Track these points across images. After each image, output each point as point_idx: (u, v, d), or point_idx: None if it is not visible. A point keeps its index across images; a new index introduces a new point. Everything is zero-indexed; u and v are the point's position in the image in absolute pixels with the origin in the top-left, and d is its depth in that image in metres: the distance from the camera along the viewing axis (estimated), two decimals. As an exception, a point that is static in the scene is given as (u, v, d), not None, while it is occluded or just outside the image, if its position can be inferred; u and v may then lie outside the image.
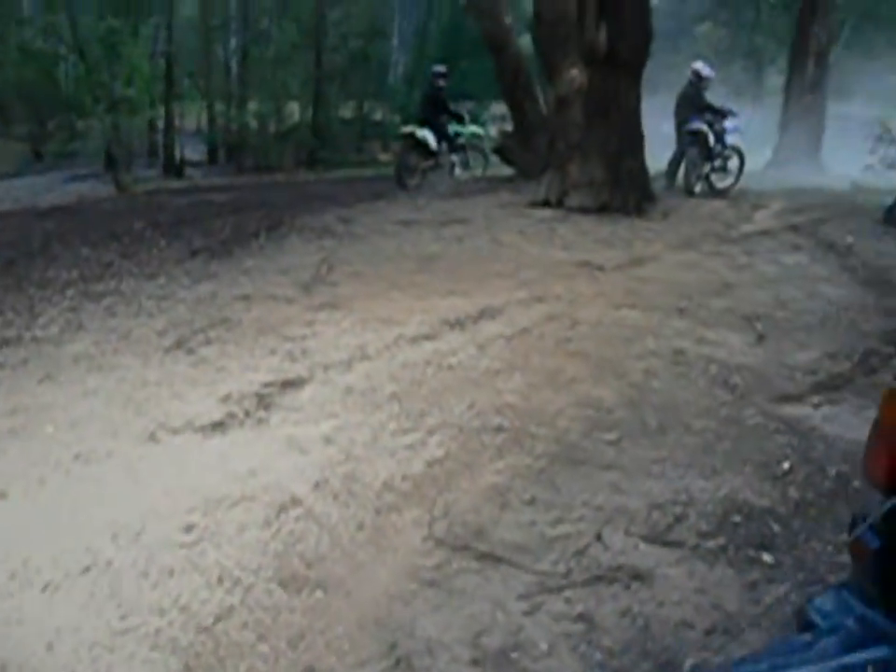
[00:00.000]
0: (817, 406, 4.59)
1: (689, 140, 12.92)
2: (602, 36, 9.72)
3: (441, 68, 15.28)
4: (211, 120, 25.45)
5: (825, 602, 1.84)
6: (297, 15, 24.36)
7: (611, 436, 4.11)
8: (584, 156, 9.91)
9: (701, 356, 5.27)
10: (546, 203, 10.26)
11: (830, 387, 4.87)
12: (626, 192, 9.91)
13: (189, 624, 2.81)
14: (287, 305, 6.47)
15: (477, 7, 13.98)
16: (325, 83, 24.33)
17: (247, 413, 4.39)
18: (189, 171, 23.49)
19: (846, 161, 21.81)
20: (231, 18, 24.95)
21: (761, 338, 5.67)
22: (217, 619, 2.83)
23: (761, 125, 26.45)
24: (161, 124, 23.46)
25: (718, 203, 11.52)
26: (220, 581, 3.02)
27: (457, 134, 15.23)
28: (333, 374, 4.92)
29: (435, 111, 14.96)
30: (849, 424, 4.36)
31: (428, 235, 8.82)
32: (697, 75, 13.37)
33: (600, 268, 7.46)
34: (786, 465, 3.89)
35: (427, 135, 14.55)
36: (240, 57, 25.17)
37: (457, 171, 15.18)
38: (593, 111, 9.84)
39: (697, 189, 12.73)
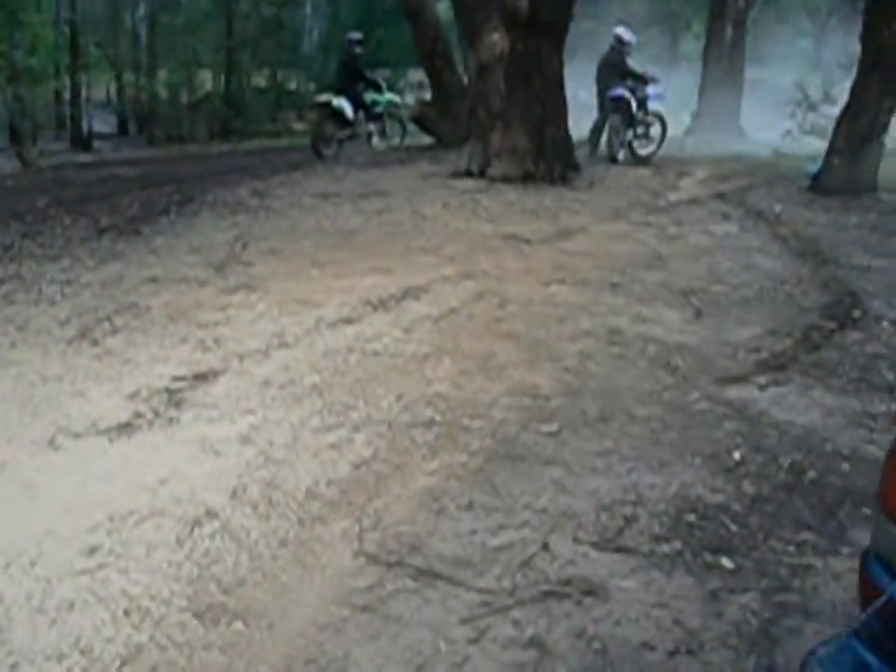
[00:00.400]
0: (763, 388, 4.34)
1: (611, 107, 12.67)
2: (523, 0, 9.36)
3: (356, 35, 14.81)
4: (120, 91, 24.63)
5: (830, 654, 1.54)
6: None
7: (551, 427, 3.81)
8: (507, 124, 9.57)
9: (638, 335, 5.00)
10: (468, 174, 9.93)
11: (774, 367, 4.63)
12: (550, 161, 9.62)
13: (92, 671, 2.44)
14: (200, 288, 6.06)
15: (394, -28, 13.51)
16: (237, 51, 23.59)
17: (156, 413, 3.99)
18: (97, 144, 22.66)
19: (764, 126, 21.86)
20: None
21: (699, 314, 5.42)
22: (124, 662, 2.45)
23: (677, 91, 26.50)
24: (67, 95, 22.54)
25: (642, 171, 11.30)
26: (127, 613, 2.65)
27: (374, 103, 14.81)
28: (249, 365, 4.54)
29: (351, 79, 14.51)
30: (798, 407, 4.14)
31: (348, 209, 8.42)
32: (619, 40, 13.11)
33: (527, 241, 7.16)
34: (737, 455, 3.63)
35: (344, 104, 14.11)
36: (149, 24, 24.24)
37: (375, 140, 14.77)
38: (515, 77, 9.50)
39: (620, 156, 12.51)
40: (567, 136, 10.13)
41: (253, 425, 3.84)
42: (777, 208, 8.92)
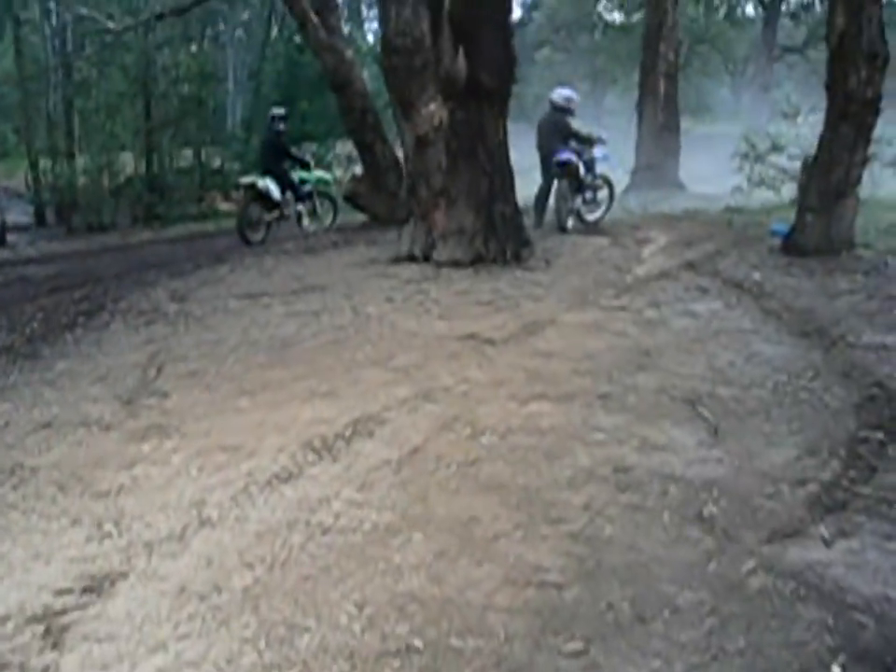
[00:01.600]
0: (829, 543, 3.36)
1: (558, 172, 11.84)
2: (461, 64, 8.49)
3: (279, 111, 13.94)
4: (35, 179, 23.39)
5: None
6: (122, 62, 22.45)
7: (574, 644, 2.77)
8: (451, 202, 8.64)
9: (652, 471, 3.99)
10: (412, 258, 8.98)
11: (832, 507, 3.65)
12: (502, 240, 8.69)
13: None
14: (103, 434, 4.97)
15: (317, 41, 12.61)
16: (157, 132, 22.56)
17: (25, 658, 2.88)
18: (13, 237, 21.32)
19: (703, 178, 21.38)
20: (50, 68, 22.77)
21: (715, 432, 4.44)
22: None
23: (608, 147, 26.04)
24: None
25: (598, 241, 10.43)
26: None
27: (303, 181, 13.89)
28: (160, 560, 3.45)
29: (276, 158, 13.61)
30: (883, 570, 3.15)
31: (280, 311, 7.39)
32: (562, 101, 12.31)
33: (490, 341, 6.18)
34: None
35: (270, 185, 13.19)
36: (64, 109, 23.11)
37: (305, 222, 13.86)
38: (456, 150, 8.59)
39: (569, 224, 11.67)
40: (517, 211, 9.23)
41: (161, 670, 2.75)
42: (756, 276, 8.07)
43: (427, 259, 8.83)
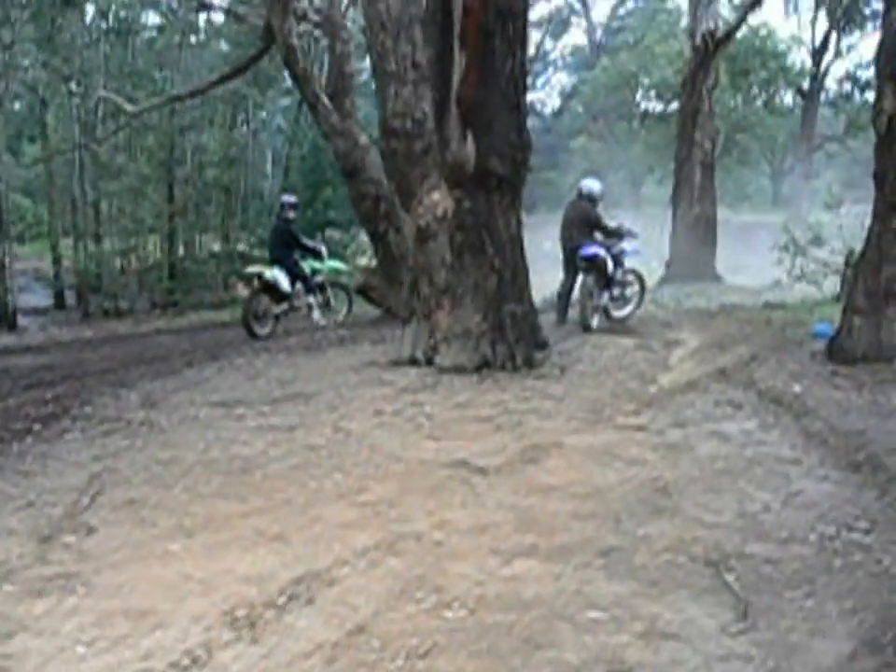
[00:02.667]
0: None
1: (584, 267, 11.06)
2: (469, 150, 7.73)
3: (290, 198, 13.34)
4: (56, 261, 23.03)
5: None
6: (146, 145, 22.11)
7: None
8: (455, 301, 7.83)
9: (660, 677, 3.03)
10: (413, 362, 8.13)
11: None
12: (511, 344, 7.83)
13: None
14: (-2, 585, 4.07)
15: (329, 125, 11.96)
16: (179, 217, 22.08)
17: None
18: (27, 320, 20.89)
19: (740, 269, 20.53)
20: (74, 150, 22.50)
21: (745, 612, 3.46)
22: None
23: (643, 237, 25.32)
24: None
25: (623, 342, 9.54)
26: None
27: (315, 272, 13.15)
28: None
29: (286, 247, 12.95)
30: None
31: (252, 425, 6.54)
32: (588, 194, 11.56)
33: (481, 470, 5.26)
34: None
35: (278, 276, 12.49)
36: (85, 191, 22.78)
37: (316, 315, 13.09)
38: (462, 244, 7.80)
39: (594, 323, 10.83)
40: (532, 310, 8.38)
41: None
42: (797, 388, 7.13)
43: (430, 362, 7.97)
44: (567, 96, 49.19)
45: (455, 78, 7.72)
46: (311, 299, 13.28)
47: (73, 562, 4.30)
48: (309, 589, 3.77)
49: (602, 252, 10.90)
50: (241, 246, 24.18)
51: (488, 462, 5.39)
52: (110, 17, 20.87)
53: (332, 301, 13.89)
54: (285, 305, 13.02)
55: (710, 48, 18.31)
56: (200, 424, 6.69)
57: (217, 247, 24.56)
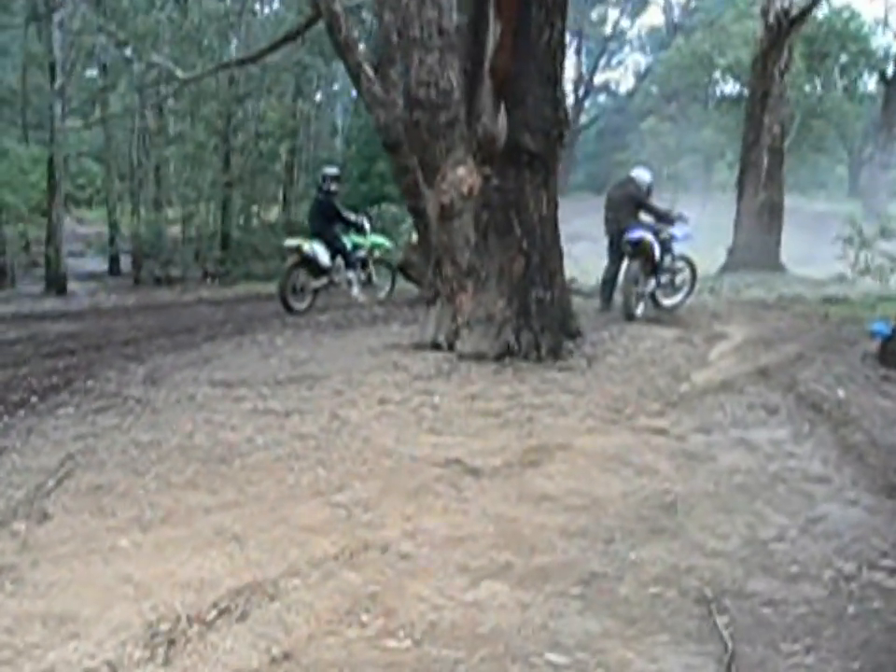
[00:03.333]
0: None
1: (629, 251, 10.50)
2: (501, 124, 7.24)
3: (331, 170, 12.94)
4: (112, 227, 22.98)
5: None
6: (203, 114, 21.87)
7: None
8: (479, 284, 7.36)
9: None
10: (436, 346, 7.69)
11: None
12: (537, 331, 7.34)
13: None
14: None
15: (370, 95, 11.51)
16: (236, 186, 21.82)
17: None
18: (78, 285, 20.84)
19: (806, 259, 19.69)
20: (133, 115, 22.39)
21: (729, 667, 2.97)
22: None
23: (712, 223, 24.54)
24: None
25: (664, 334, 8.99)
26: None
27: (356, 247, 12.74)
28: None
29: (326, 221, 12.55)
30: None
31: (247, 407, 6.17)
32: (638, 181, 11.01)
33: (475, 471, 4.82)
34: None
35: (318, 249, 12.10)
36: (139, 158, 22.66)
37: (355, 291, 12.71)
38: (489, 224, 7.31)
39: (639, 311, 10.27)
40: (563, 296, 7.90)
41: None
42: (841, 393, 6.54)
43: (452, 347, 7.53)
44: (641, 77, 48.10)
45: (489, 47, 7.22)
46: (350, 274, 12.89)
47: (13, 552, 3.96)
48: (248, 602, 3.37)
49: (649, 236, 10.32)
50: (298, 217, 23.86)
51: (485, 462, 4.95)
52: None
53: (375, 278, 13.49)
54: (324, 280, 12.65)
55: (784, 27, 17.47)
56: (194, 405, 6.33)
57: (273, 218, 24.33)
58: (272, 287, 18.08)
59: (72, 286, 20.86)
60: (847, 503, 4.44)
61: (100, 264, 24.92)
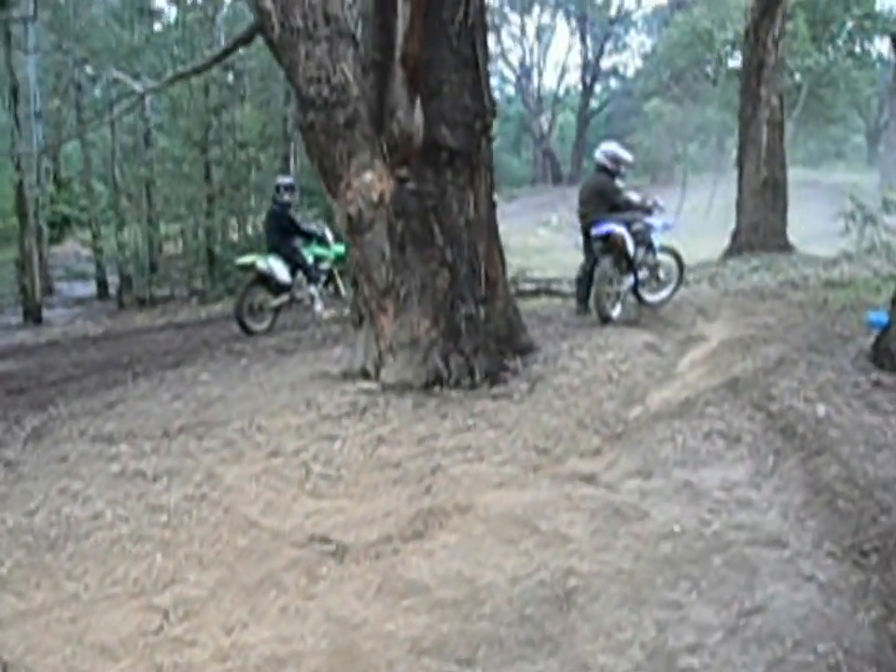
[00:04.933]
0: None
1: (599, 247, 9.49)
2: (418, 119, 6.28)
3: (286, 180, 12.04)
4: (98, 251, 22.19)
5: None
6: (179, 128, 21.04)
7: None
8: (399, 303, 6.38)
9: None
10: (365, 374, 6.74)
11: None
12: (469, 354, 6.37)
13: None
14: None
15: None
16: (216, 200, 20.94)
17: None
18: (59, 312, 20.09)
19: (818, 237, 18.62)
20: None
21: None
22: None
23: (723, 203, 23.46)
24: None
25: (635, 339, 7.99)
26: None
27: (319, 259, 11.78)
28: None
29: (283, 234, 11.62)
30: None
31: (114, 470, 5.29)
32: (611, 160, 9.97)
33: (341, 552, 3.90)
34: None
35: (274, 265, 11.19)
36: (115, 177, 21.88)
37: (318, 307, 11.77)
38: (404, 234, 6.34)
39: (616, 312, 9.29)
40: (507, 309, 6.94)
41: None
42: (821, 410, 5.53)
43: (378, 375, 6.59)
44: (646, 58, 46.90)
45: (399, 34, 6.25)
46: (312, 289, 11.93)
47: None
48: None
49: (619, 228, 9.30)
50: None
51: (358, 537, 4.02)
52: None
53: (343, 291, 12.54)
54: (284, 297, 11.71)
55: (775, -7, 16.36)
56: (61, 468, 5.44)
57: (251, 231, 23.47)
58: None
59: (57, 312, 20.16)
60: (801, 580, 3.45)
61: (93, 288, 24.21)
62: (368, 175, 6.25)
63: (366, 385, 6.49)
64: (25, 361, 11.56)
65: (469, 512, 4.22)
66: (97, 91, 20.90)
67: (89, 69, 18.72)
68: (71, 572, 3.93)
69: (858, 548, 3.66)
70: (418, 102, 6.31)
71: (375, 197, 6.25)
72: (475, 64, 6.42)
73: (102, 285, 23.18)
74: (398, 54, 6.29)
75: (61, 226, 28.67)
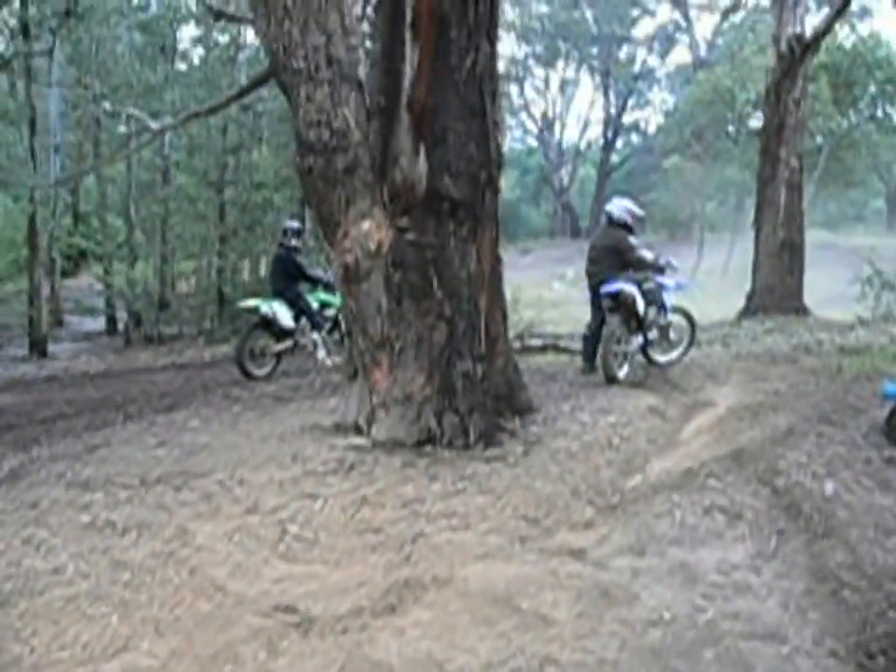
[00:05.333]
0: None
1: (609, 306, 9.29)
2: (422, 168, 6.09)
3: (293, 224, 11.90)
4: (108, 286, 22.14)
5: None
6: (196, 166, 21.05)
7: None
8: (394, 357, 6.16)
9: None
10: (356, 428, 6.51)
11: None
12: (464, 413, 6.13)
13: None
14: None
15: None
16: (230, 240, 20.88)
17: None
18: (65, 346, 19.99)
19: (834, 301, 18.40)
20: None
21: None
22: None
23: (741, 263, 23.26)
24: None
25: (638, 403, 7.76)
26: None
27: (324, 305, 11.63)
28: None
29: (288, 279, 11.49)
30: None
31: (84, 520, 5.03)
32: (626, 213, 9.81)
33: (306, 625, 3.66)
34: None
35: (278, 310, 11.04)
36: (129, 213, 21.88)
37: (321, 354, 11.60)
38: (401, 286, 6.13)
39: (622, 373, 9.07)
40: (507, 367, 6.73)
41: None
42: (829, 488, 5.26)
43: (370, 430, 6.35)
44: (667, 115, 47.00)
45: (407, 79, 6.08)
46: (315, 336, 11.74)
47: None
48: None
49: (629, 287, 9.10)
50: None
51: (327, 608, 3.76)
52: (141, 35, 19.97)
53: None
54: (288, 342, 11.54)
55: (797, 54, 16.24)
56: (29, 515, 5.19)
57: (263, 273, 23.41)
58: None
59: (63, 346, 20.09)
60: (798, 680, 3.17)
61: (103, 323, 24.14)
62: (366, 224, 6.07)
63: (356, 440, 6.24)
64: (21, 396, 11.39)
65: (448, 586, 3.96)
66: (117, 127, 20.85)
67: (108, 105, 18.67)
68: (16, 634, 3.67)
69: (864, 647, 3.38)
70: (423, 149, 6.11)
71: (373, 246, 6.06)
72: (482, 113, 6.24)
73: (111, 320, 23.11)
74: (404, 100, 6.11)
75: (77, 259, 28.69)
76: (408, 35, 6.04)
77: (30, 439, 7.74)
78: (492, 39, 6.28)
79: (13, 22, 19.00)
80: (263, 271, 20.73)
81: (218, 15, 13.85)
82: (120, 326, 22.59)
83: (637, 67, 51.07)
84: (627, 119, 53.61)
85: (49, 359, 17.91)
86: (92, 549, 4.55)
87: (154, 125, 14.26)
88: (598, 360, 9.20)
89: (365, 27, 6.24)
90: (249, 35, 20.47)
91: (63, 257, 24.32)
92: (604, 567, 4.17)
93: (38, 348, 18.59)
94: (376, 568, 4.18)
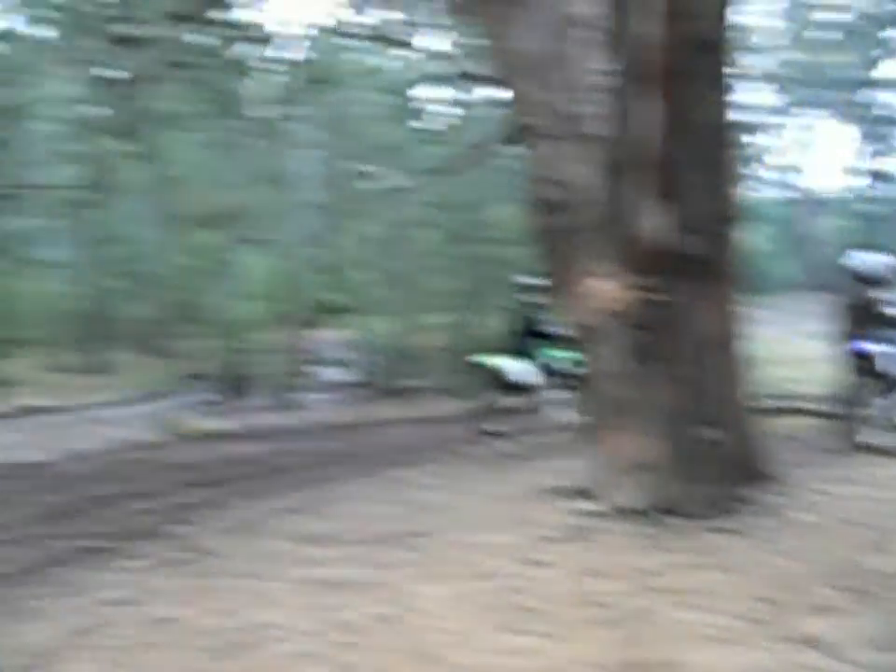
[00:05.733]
0: None
1: (857, 367, 8.69)
2: (662, 224, 5.89)
3: (526, 279, 11.81)
4: (354, 339, 22.91)
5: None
6: (441, 222, 21.53)
7: None
8: (629, 420, 5.94)
9: None
10: (588, 494, 6.30)
11: None
12: (702, 481, 5.81)
13: None
14: None
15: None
16: (469, 296, 21.20)
17: None
18: (315, 396, 20.68)
19: None
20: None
21: None
22: None
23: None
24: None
25: (892, 473, 7.15)
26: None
27: (559, 361, 11.50)
28: None
29: (527, 334, 11.40)
30: None
31: (310, 575, 5.08)
32: (884, 269, 9.18)
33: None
34: None
35: (517, 367, 11.00)
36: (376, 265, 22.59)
37: (555, 411, 11.34)
38: (642, 347, 5.91)
39: (874, 440, 8.39)
40: (745, 433, 6.35)
41: None
42: None
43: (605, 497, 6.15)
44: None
45: (645, 134, 5.92)
46: (552, 394, 11.60)
47: None
48: None
49: (878, 347, 8.49)
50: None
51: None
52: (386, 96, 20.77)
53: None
54: (525, 399, 11.47)
55: None
56: (257, 567, 5.31)
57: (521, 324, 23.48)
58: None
59: (307, 396, 20.86)
60: None
61: (348, 374, 24.91)
62: (604, 284, 5.90)
63: (585, 505, 6.05)
64: (260, 445, 11.85)
65: (676, 672, 3.69)
66: (366, 184, 21.73)
67: (357, 163, 19.51)
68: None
69: None
70: (664, 206, 5.91)
71: (611, 306, 5.89)
72: (722, 166, 5.98)
73: (355, 372, 23.76)
74: (643, 156, 5.94)
75: (324, 312, 29.87)
76: (645, 90, 5.87)
77: (264, 489, 8.00)
78: (725, 89, 6.06)
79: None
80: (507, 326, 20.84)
81: (466, 76, 14.15)
82: (363, 377, 23.19)
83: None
84: (880, 165, 50.67)
85: (290, 409, 18.58)
86: (314, 606, 4.60)
87: (403, 182, 14.75)
88: (846, 425, 8.61)
89: (603, 81, 6.06)
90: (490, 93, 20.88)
91: (311, 309, 25.31)
92: (838, 657, 3.77)
93: (283, 399, 19.33)
94: (603, 645, 3.96)
